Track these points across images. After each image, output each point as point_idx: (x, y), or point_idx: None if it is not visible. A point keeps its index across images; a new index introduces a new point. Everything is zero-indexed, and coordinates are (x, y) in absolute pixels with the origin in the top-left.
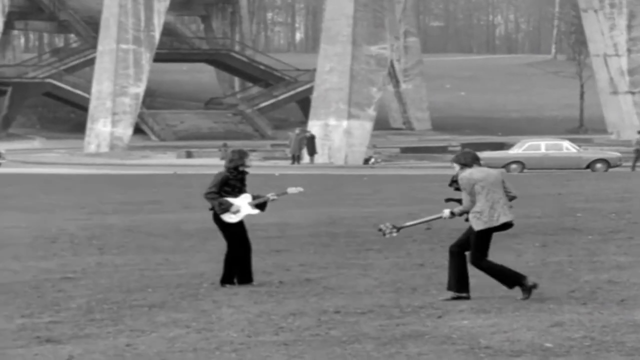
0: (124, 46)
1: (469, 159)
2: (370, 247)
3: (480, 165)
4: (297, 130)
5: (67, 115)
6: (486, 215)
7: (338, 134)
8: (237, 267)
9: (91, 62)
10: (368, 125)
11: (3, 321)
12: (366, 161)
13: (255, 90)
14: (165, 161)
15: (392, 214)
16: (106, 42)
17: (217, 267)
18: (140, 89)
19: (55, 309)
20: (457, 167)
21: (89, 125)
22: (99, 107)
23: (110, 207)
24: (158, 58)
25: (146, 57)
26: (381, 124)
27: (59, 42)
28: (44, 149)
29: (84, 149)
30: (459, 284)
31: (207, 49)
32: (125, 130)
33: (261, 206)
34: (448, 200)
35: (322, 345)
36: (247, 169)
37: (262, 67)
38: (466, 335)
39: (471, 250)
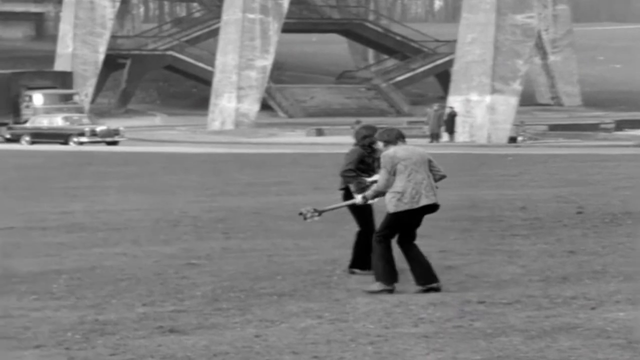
0: (250, 15)
1: (392, 136)
2: (516, 233)
3: (404, 142)
4: (435, 106)
5: (189, 90)
6: (407, 196)
7: (480, 110)
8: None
9: (215, 33)
10: (513, 101)
11: (124, 309)
12: (512, 139)
13: (390, 62)
14: (293, 139)
15: (538, 196)
16: (231, 11)
17: (350, 253)
18: (267, 62)
19: (178, 297)
20: (381, 144)
21: (212, 100)
22: (223, 81)
23: (235, 189)
24: (286, 28)
25: (274, 27)
26: (527, 100)
27: (181, 11)
28: (164, 126)
29: (207, 126)
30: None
31: (339, 18)
32: (251, 106)
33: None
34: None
35: (465, 338)
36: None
37: (398, 38)
38: (622, 329)
39: (379, 227)
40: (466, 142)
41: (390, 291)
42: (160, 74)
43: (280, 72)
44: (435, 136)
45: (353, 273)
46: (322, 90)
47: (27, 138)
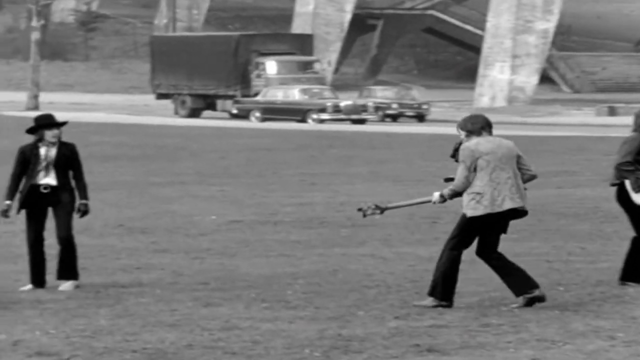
0: None
1: (477, 125)
2: None
3: (491, 133)
4: None
5: (452, 58)
6: (488, 198)
7: None
8: None
9: None
10: None
11: (372, 323)
12: None
13: None
14: (580, 119)
15: None
16: None
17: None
18: (550, 24)
19: (438, 310)
20: (462, 134)
21: (480, 71)
22: (495, 48)
23: None
24: None
25: None
26: None
27: None
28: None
29: (473, 103)
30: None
31: None
32: (528, 79)
33: None
34: (447, 179)
35: None
36: None
37: None
38: None
39: (453, 233)
40: None
41: (448, 306)
42: (418, 38)
43: (566, 37)
44: None
45: (625, 285)
46: (616, 59)
47: (258, 114)
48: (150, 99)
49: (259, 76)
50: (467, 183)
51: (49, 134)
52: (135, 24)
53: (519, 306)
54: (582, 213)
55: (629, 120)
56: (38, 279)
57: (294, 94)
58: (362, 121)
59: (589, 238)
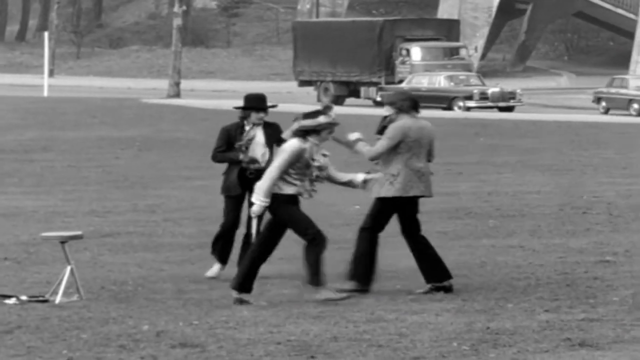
0: None
1: (406, 104)
2: None
3: (417, 114)
4: None
5: (604, 43)
6: (400, 181)
7: None
8: None
9: None
10: None
11: (522, 316)
12: None
13: None
14: None
15: None
16: None
17: None
18: None
19: (590, 303)
20: (392, 111)
21: (634, 57)
22: None
23: None
24: None
25: None
26: None
27: None
28: (572, 88)
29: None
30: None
31: None
32: None
33: None
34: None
35: None
36: None
37: None
38: None
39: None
40: None
41: (364, 292)
42: (568, 23)
43: None
44: None
45: None
46: None
47: None
48: (292, 86)
49: (403, 62)
50: (379, 158)
51: (255, 116)
52: (277, 10)
53: (423, 292)
54: None
55: None
56: (225, 257)
57: (440, 81)
58: (510, 109)
59: None
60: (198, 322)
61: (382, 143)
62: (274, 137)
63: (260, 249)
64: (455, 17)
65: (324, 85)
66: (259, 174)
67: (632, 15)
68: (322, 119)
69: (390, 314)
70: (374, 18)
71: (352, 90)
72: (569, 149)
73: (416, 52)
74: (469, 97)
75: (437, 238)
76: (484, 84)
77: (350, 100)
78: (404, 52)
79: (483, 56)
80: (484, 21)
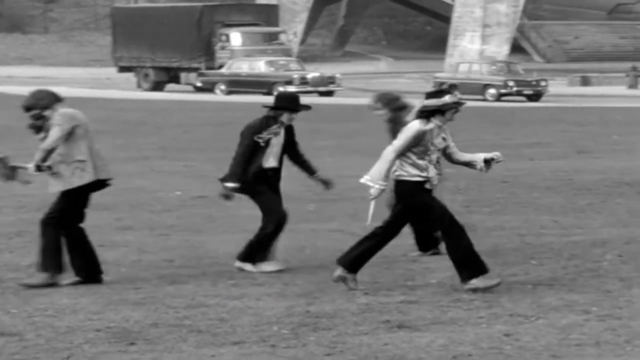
0: None
1: (45, 101)
2: None
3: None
4: None
5: (422, 28)
6: (90, 166)
7: None
8: None
9: None
10: None
11: (342, 300)
12: None
13: None
14: (552, 89)
15: None
16: None
17: (624, 233)
18: None
19: (409, 286)
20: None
21: (450, 41)
22: (465, 17)
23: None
24: None
25: None
26: None
27: None
28: (391, 72)
29: (438, 73)
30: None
31: None
32: (499, 48)
33: None
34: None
35: None
36: None
37: None
38: None
39: (53, 208)
40: None
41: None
42: (386, 8)
43: (537, 6)
44: None
45: None
46: (589, 28)
47: (223, 87)
48: (112, 72)
49: (223, 48)
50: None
51: (287, 117)
52: None
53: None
54: (555, 186)
55: (603, 90)
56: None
57: (260, 66)
58: (329, 93)
59: (562, 211)
60: (16, 311)
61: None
62: (289, 139)
63: (383, 235)
64: (274, 2)
65: (144, 71)
66: (276, 172)
67: (448, 0)
68: (447, 99)
69: (211, 300)
70: (193, 3)
71: (172, 76)
72: (387, 133)
73: (235, 37)
74: (289, 82)
75: (257, 223)
76: (304, 69)
77: (170, 86)
78: (223, 37)
79: (302, 41)
80: (302, 6)
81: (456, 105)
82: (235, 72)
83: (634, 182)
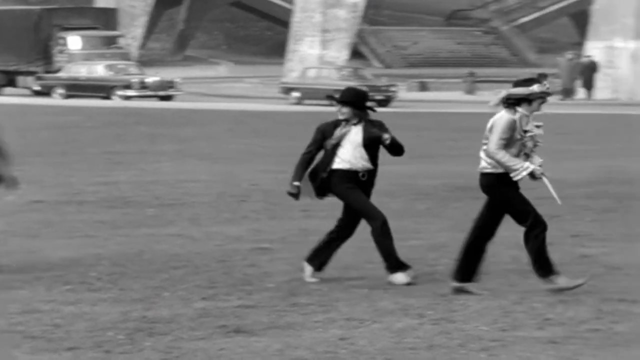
0: None
1: None
2: None
3: None
4: (569, 55)
5: (262, 32)
6: None
7: (624, 60)
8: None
9: None
10: None
11: (178, 305)
12: None
13: (513, 0)
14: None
15: None
16: None
17: (461, 237)
18: None
19: (246, 290)
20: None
21: (290, 46)
22: (305, 22)
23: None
24: None
25: None
26: None
27: None
28: (231, 77)
29: (283, 78)
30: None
31: None
32: (339, 53)
33: None
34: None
35: (604, 345)
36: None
37: None
38: None
39: None
40: (607, 100)
41: None
42: (226, 13)
43: (377, 11)
44: (568, 92)
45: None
46: (427, 34)
47: (61, 90)
48: None
49: (61, 52)
50: None
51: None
52: None
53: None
54: (394, 190)
55: (441, 95)
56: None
57: (98, 70)
58: (169, 97)
59: (399, 215)
60: None
61: None
62: (373, 135)
63: (479, 233)
64: (113, 6)
65: None
66: (371, 174)
67: (287, 5)
68: (535, 88)
69: (45, 305)
70: (31, 7)
71: (9, 79)
72: (227, 137)
73: (73, 40)
74: (128, 86)
75: (95, 228)
76: (143, 73)
77: (9, 90)
78: (61, 41)
79: (142, 45)
80: (141, 10)
81: (544, 95)
82: (73, 75)
83: (470, 187)
